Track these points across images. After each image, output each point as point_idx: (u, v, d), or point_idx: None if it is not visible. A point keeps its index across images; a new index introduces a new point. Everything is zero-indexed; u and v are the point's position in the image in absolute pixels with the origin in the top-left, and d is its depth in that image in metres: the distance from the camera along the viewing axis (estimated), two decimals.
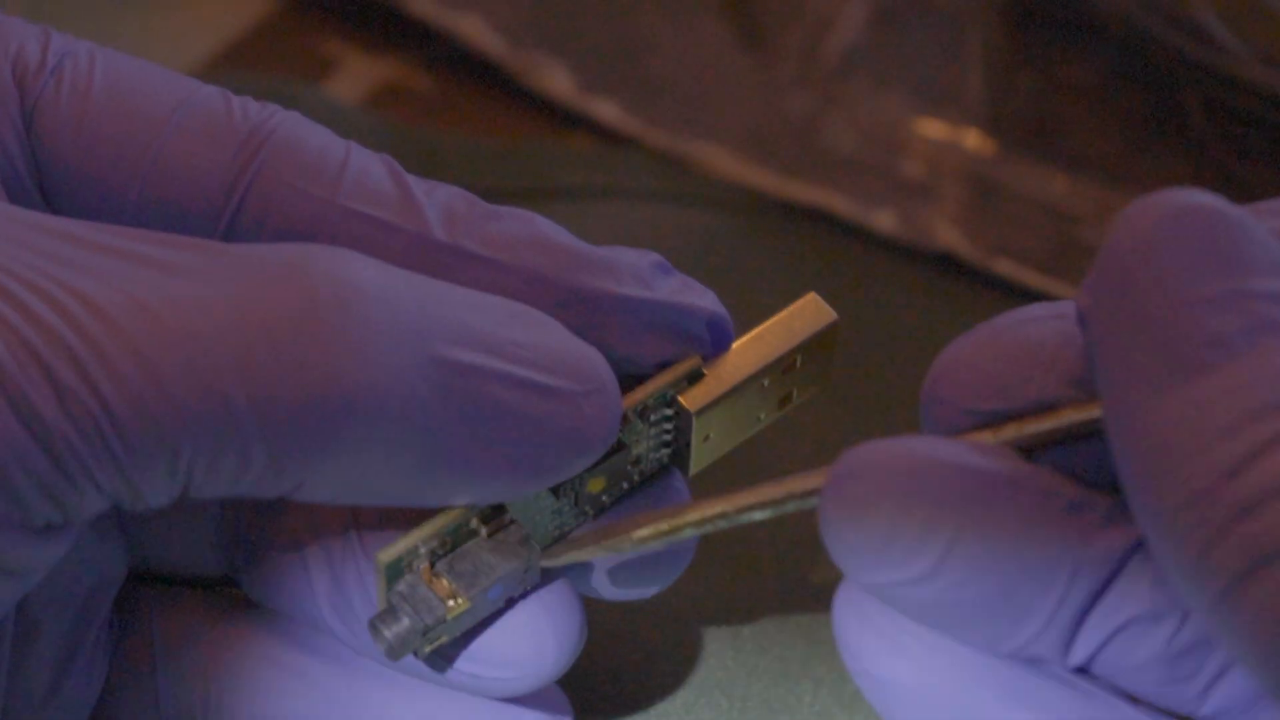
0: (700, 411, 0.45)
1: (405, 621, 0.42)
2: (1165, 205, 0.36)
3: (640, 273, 0.44)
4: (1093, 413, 0.38)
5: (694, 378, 0.45)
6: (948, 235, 0.63)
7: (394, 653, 0.43)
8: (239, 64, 0.69)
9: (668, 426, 0.45)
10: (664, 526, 0.42)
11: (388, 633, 0.42)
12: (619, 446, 0.44)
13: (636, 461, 0.45)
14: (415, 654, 0.43)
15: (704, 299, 0.45)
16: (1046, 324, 0.39)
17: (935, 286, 0.63)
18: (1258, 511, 0.33)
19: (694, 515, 0.42)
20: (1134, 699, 0.39)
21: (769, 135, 0.66)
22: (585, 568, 0.45)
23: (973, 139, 0.66)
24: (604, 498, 0.45)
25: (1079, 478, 0.39)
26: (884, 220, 0.64)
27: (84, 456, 0.37)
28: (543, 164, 0.66)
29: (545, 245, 0.43)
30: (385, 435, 0.39)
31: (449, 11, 0.69)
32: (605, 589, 0.46)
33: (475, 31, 0.68)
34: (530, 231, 0.43)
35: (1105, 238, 0.36)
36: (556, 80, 0.67)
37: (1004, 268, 0.62)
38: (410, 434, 0.39)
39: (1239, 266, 0.35)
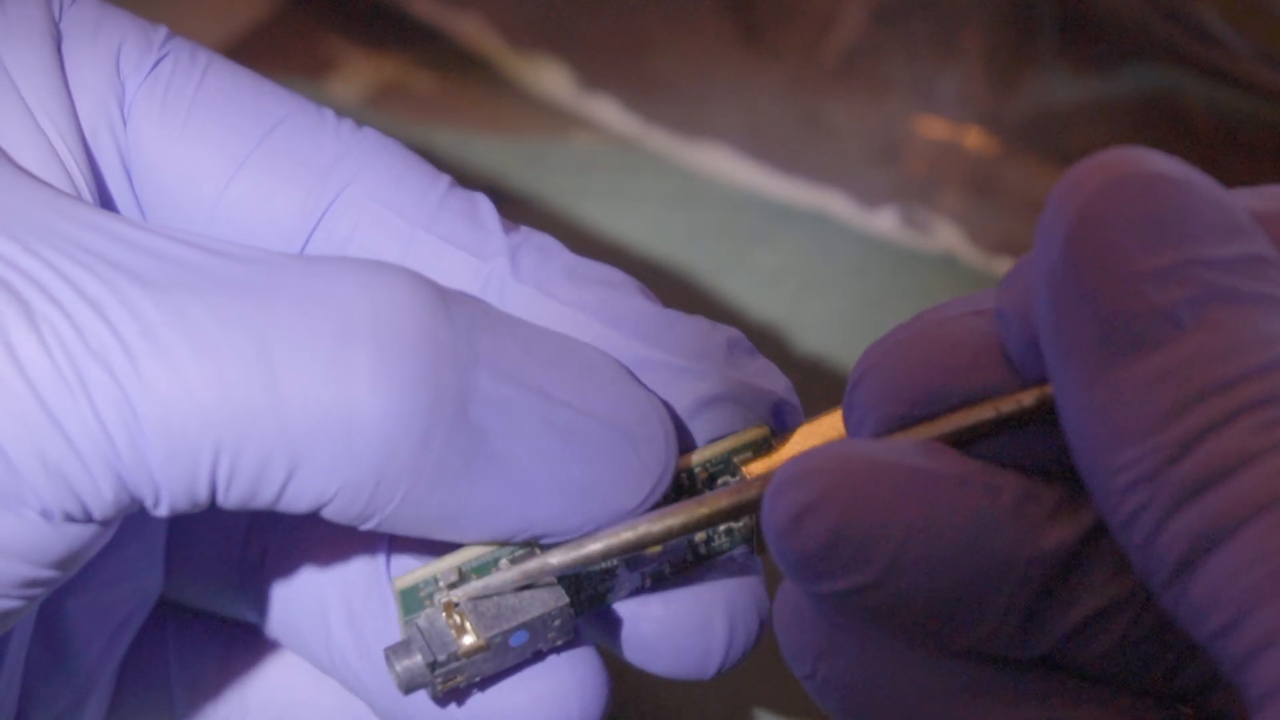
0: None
1: (417, 656, 0.41)
2: (1106, 172, 0.34)
3: (713, 350, 0.43)
4: (1023, 401, 0.37)
5: (761, 448, 0.43)
6: (948, 235, 0.63)
7: (405, 686, 0.41)
8: (239, 63, 0.69)
9: None
10: (574, 553, 0.40)
11: (398, 665, 0.41)
12: None
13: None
14: (430, 693, 0.42)
15: (775, 384, 0.43)
16: (963, 322, 0.38)
17: (935, 286, 0.63)
18: (1201, 496, 0.32)
19: (629, 534, 0.40)
20: (1100, 679, 0.38)
21: (769, 135, 0.66)
22: (635, 635, 0.43)
23: (973, 139, 0.66)
24: (665, 568, 0.43)
25: (1020, 467, 0.37)
26: (884, 220, 0.64)
27: (103, 446, 0.38)
28: (543, 164, 0.66)
29: (619, 307, 0.42)
30: (402, 461, 0.39)
31: (449, 11, 0.69)
32: (657, 664, 0.44)
33: (475, 31, 0.68)
34: (609, 291, 0.42)
35: (1045, 208, 0.34)
36: (556, 80, 0.67)
37: (1004, 268, 0.62)
38: (427, 464, 0.39)
39: (1185, 233, 0.33)
